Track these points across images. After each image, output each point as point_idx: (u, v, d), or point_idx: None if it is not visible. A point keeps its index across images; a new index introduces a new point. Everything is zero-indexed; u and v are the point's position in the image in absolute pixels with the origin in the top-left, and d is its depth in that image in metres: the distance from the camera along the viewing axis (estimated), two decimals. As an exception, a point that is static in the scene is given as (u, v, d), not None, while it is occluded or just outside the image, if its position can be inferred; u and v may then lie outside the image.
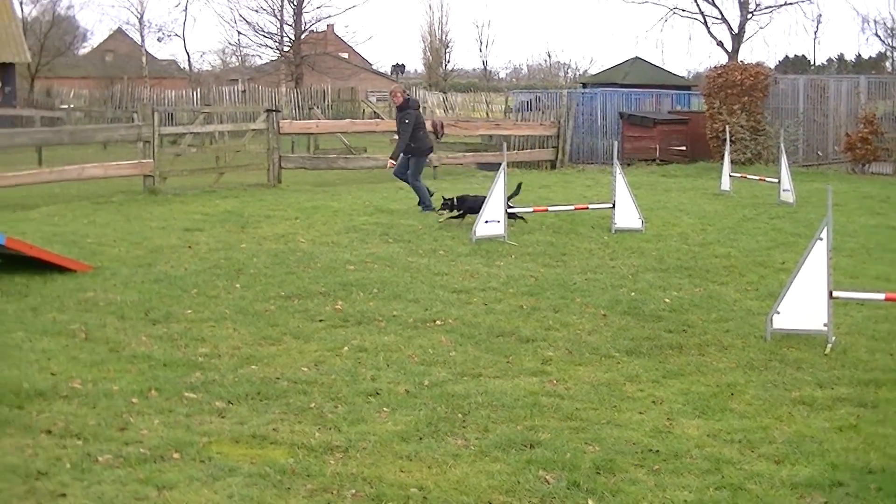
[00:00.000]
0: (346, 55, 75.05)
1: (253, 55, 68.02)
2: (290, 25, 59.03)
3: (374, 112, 46.45)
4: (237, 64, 73.04)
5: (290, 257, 13.20)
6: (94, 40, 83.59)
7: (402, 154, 18.59)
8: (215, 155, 24.97)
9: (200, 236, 15.16)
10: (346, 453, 6.67)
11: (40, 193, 20.18)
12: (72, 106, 43.48)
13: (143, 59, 62.78)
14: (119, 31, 78.85)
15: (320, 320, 10.12)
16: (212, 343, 9.26)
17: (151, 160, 20.99)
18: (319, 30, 64.76)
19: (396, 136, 18.92)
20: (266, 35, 59.76)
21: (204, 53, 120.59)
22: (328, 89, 50.07)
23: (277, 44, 60.16)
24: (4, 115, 38.46)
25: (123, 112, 39.74)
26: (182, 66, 74.05)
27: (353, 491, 6.07)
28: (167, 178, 21.42)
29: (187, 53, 73.62)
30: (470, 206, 16.08)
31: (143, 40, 65.30)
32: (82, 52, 79.24)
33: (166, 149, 24.27)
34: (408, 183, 18.82)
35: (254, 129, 24.23)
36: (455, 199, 16.50)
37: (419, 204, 18.37)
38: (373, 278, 11.91)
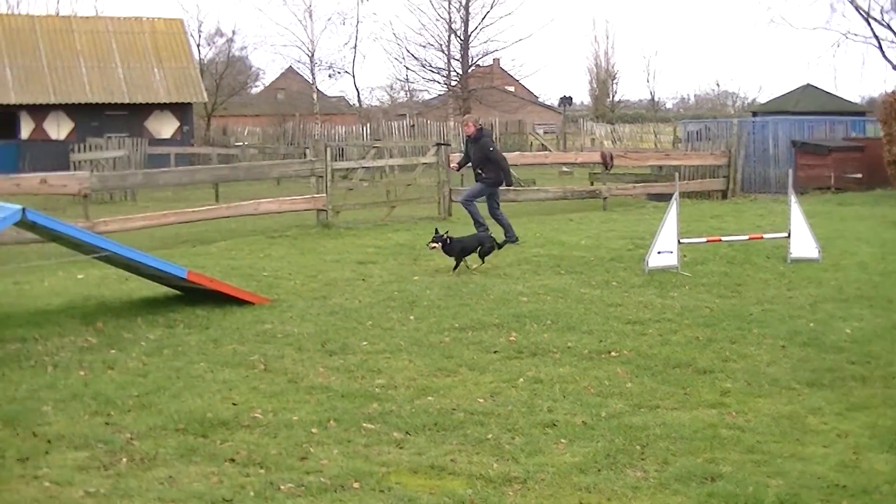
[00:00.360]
0: (512, 88, 75.32)
1: (421, 90, 68.86)
2: (458, 60, 59.65)
3: (542, 144, 46.49)
4: (405, 99, 73.94)
5: (462, 289, 13.25)
6: (267, 79, 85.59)
7: (480, 184, 18.46)
8: (386, 189, 25.27)
9: (374, 269, 15.34)
10: (525, 485, 6.65)
11: (218, 228, 20.70)
12: (246, 143, 44.56)
13: (314, 97, 63.95)
14: (290, 69, 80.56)
15: (495, 352, 10.13)
16: (388, 374, 9.34)
17: (324, 195, 21.36)
18: (486, 64, 65.22)
19: (479, 170, 18.41)
20: (434, 70, 60.52)
21: (373, 89, 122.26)
22: (496, 122, 50.32)
23: (445, 78, 60.83)
24: (183, 154, 39.65)
25: (295, 148, 40.54)
26: (351, 103, 75.28)
27: (533, 522, 6.04)
28: (340, 212, 21.76)
29: (357, 90, 74.45)
30: (464, 247, 15.16)
31: (313, 78, 66.51)
32: (255, 90, 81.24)
33: (338, 183, 24.66)
34: (496, 218, 18.36)
35: (424, 163, 24.46)
36: (448, 239, 15.13)
37: (507, 236, 17.80)
38: (546, 310, 11.87)
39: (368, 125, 49.48)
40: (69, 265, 15.36)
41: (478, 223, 18.12)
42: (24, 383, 9.16)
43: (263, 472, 6.91)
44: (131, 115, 43.86)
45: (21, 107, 42.41)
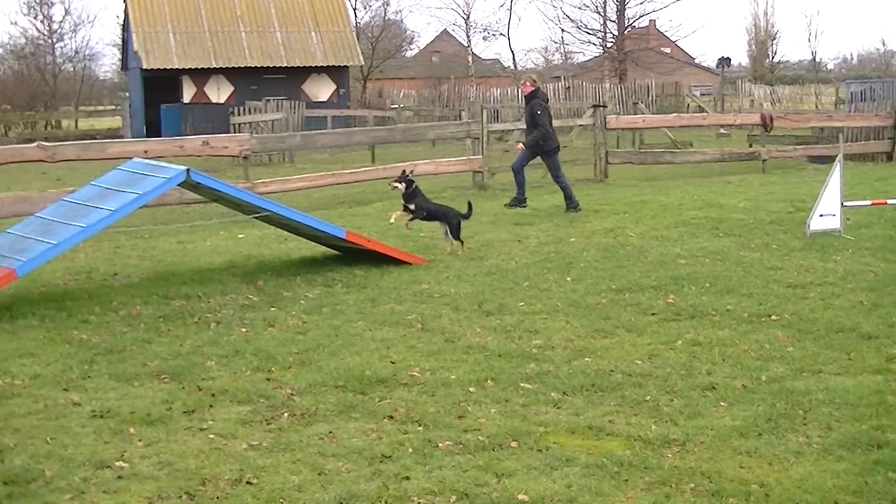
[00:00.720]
0: (668, 50, 74.28)
1: (576, 52, 68.37)
2: (613, 21, 59.01)
3: (699, 106, 45.75)
4: (560, 61, 73.50)
5: (619, 251, 13.15)
6: (422, 42, 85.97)
7: (529, 149, 18.07)
8: (541, 151, 25.13)
9: (530, 230, 15.31)
10: (684, 447, 6.57)
11: (374, 189, 20.85)
12: (402, 106, 44.85)
13: (469, 59, 64.06)
14: (445, 32, 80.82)
15: (652, 314, 10.02)
16: (545, 335, 9.32)
17: (480, 156, 21.37)
18: (642, 25, 64.42)
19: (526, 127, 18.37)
20: (589, 32, 60.02)
21: (528, 51, 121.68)
22: (652, 84, 49.70)
23: (601, 40, 60.26)
24: (340, 116, 40.08)
25: (450, 111, 40.66)
26: (506, 65, 75.14)
27: (692, 485, 5.97)
28: (495, 174, 21.75)
29: (511, 52, 74.14)
30: (428, 212, 13.88)
31: (468, 41, 66.66)
32: (410, 54, 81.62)
33: (493, 145, 24.64)
34: (517, 180, 18.21)
35: (580, 125, 24.30)
36: (413, 185, 13.87)
37: (566, 203, 17.49)
38: (704, 272, 11.70)
39: (523, 87, 49.30)
40: (230, 225, 15.68)
41: (519, 195, 17.96)
42: (188, 339, 9.40)
43: (422, 430, 6.97)
44: (289, 79, 44.42)
45: (183, 71, 43.30)
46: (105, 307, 10.64)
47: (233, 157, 20.56)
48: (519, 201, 17.61)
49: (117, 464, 6.45)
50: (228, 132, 31.10)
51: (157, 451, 6.67)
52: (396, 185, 13.86)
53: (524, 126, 18.06)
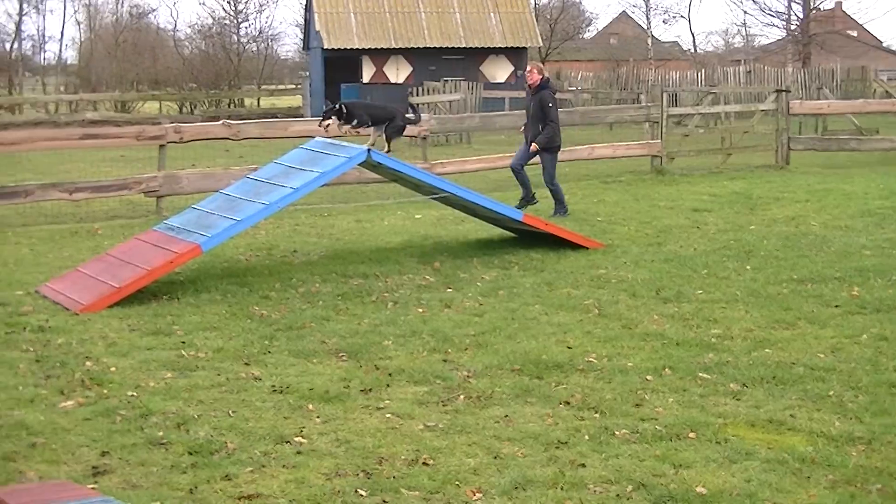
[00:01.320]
0: (854, 33, 72.20)
1: (758, 35, 67.02)
2: (798, 3, 57.54)
3: (887, 91, 44.35)
4: (741, 44, 72.12)
5: (801, 240, 12.83)
6: (600, 24, 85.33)
7: (529, 146, 15.83)
8: (721, 136, 24.74)
9: (708, 217, 15.06)
10: (869, 445, 6.37)
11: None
12: (579, 88, 44.59)
13: (648, 42, 63.27)
14: (624, 14, 80.00)
15: (836, 306, 9.74)
16: (724, 324, 9.15)
17: (659, 141, 21.10)
18: (827, 7, 62.76)
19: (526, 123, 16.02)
20: (773, 14, 58.61)
21: (708, 34, 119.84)
22: (837, 69, 48.39)
23: (784, 22, 58.86)
24: (517, 98, 40.04)
25: (628, 94, 40.25)
26: (685, 48, 74.09)
27: (879, 486, 5.79)
28: (674, 159, 21.46)
29: (692, 35, 73.37)
30: (376, 117, 12.35)
31: (648, 23, 65.87)
32: (588, 36, 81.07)
33: (672, 129, 24.29)
34: (519, 179, 16.11)
35: (762, 110, 23.79)
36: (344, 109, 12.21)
37: (555, 206, 15.63)
38: (891, 264, 11.32)
39: (703, 71, 48.52)
40: (407, 205, 15.80)
41: (525, 194, 15.89)
42: (366, 318, 9.51)
43: (598, 417, 6.91)
44: (467, 60, 44.57)
45: (363, 51, 43.82)
46: (285, 284, 10.84)
47: (411, 137, 20.67)
48: (528, 201, 15.74)
49: (296, 439, 6.56)
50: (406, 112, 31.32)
51: (334, 429, 6.76)
52: (328, 122, 12.18)
53: (533, 117, 15.63)
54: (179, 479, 5.99)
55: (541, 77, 15.53)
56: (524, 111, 16.66)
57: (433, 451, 6.32)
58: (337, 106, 12.23)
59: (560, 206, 15.49)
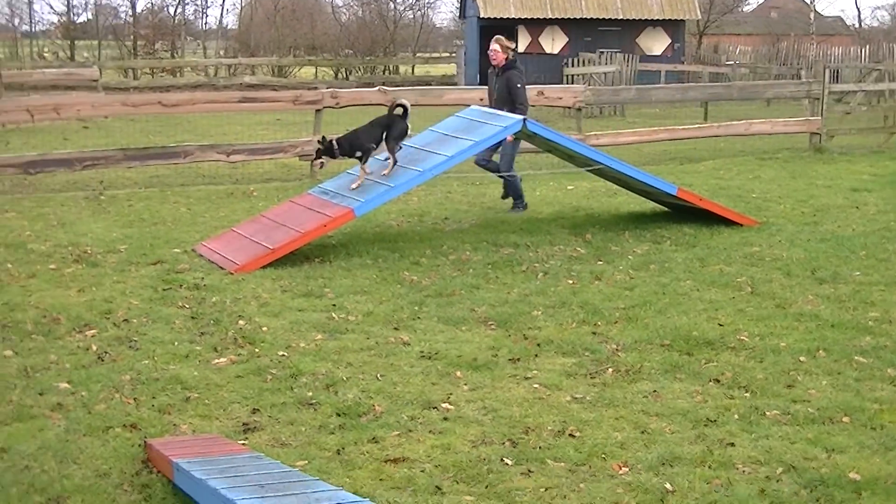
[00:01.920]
0: None
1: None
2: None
3: None
4: (909, 20, 69.92)
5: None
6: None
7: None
8: (885, 114, 24.06)
9: (868, 197, 14.65)
10: None
11: (706, 147, 20.47)
12: (736, 62, 43.80)
13: (811, 16, 61.79)
14: (788, -14, 78.25)
15: None
16: (882, 307, 8.90)
17: (819, 118, 20.60)
18: None
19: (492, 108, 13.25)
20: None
21: (875, 9, 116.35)
22: None
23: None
24: (673, 71, 39.53)
25: (788, 69, 39.40)
26: (849, 24, 72.17)
27: None
28: (833, 137, 20.93)
29: (857, 9, 71.33)
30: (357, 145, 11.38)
31: (811, -4, 64.29)
32: (748, 9, 79.50)
33: (833, 107, 23.71)
34: (490, 170, 13.80)
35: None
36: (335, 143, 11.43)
37: (513, 201, 13.64)
38: None
39: (867, 47, 47.24)
40: (559, 176, 15.74)
41: (517, 203, 13.55)
42: (515, 287, 9.50)
43: (748, 396, 6.80)
44: (624, 31, 44.07)
45: (519, 21, 43.65)
46: (435, 251, 10.88)
47: (565, 108, 20.56)
48: (518, 205, 13.57)
49: (443, 405, 6.59)
50: (561, 83, 31.17)
51: (481, 397, 6.78)
52: (322, 160, 11.53)
53: (499, 100, 13.40)
54: (327, 439, 6.07)
55: (506, 56, 13.47)
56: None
57: (580, 423, 6.30)
58: (331, 141, 11.39)
59: (518, 200, 13.53)
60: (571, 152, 12.34)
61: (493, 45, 13.58)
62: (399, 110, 11.45)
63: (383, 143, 11.36)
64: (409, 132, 11.49)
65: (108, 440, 6.02)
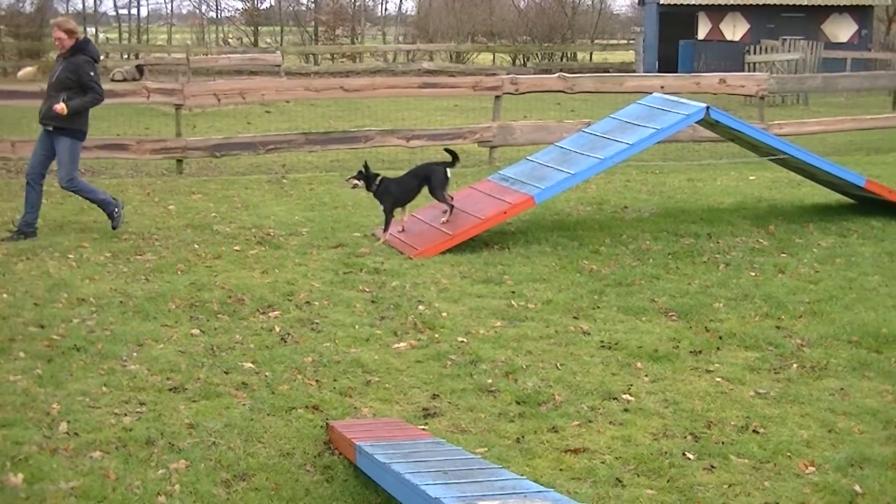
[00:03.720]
0: None
1: None
2: None
3: None
4: None
5: None
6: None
7: (47, 130, 11.15)
8: None
9: None
10: None
11: (894, 137, 19.85)
12: (927, 50, 42.35)
13: None
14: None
15: None
16: None
17: None
18: None
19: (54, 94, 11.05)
20: None
21: None
22: None
23: None
24: (860, 59, 38.42)
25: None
26: None
27: None
28: None
29: None
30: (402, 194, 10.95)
31: None
32: (941, -6, 76.81)
33: None
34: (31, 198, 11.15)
35: None
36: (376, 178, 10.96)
37: (108, 214, 11.35)
38: None
39: None
40: (741, 166, 15.47)
41: (104, 204, 11.31)
42: (696, 278, 9.36)
43: (935, 397, 6.56)
44: (808, 18, 43.03)
45: (700, 7, 43.01)
46: (615, 239, 10.79)
47: (747, 96, 20.16)
48: (25, 231, 11.04)
49: (624, 396, 6.53)
50: (741, 70, 30.59)
51: (662, 388, 6.69)
52: (357, 183, 11.03)
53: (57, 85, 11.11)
54: (507, 427, 6.07)
55: (75, 39, 11.12)
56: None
57: (764, 420, 6.16)
58: (379, 178, 10.94)
59: (107, 207, 11.31)
60: (755, 141, 12.08)
61: (55, 29, 11.22)
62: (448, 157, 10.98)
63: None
64: (449, 177, 10.89)
65: (291, 420, 6.12)
